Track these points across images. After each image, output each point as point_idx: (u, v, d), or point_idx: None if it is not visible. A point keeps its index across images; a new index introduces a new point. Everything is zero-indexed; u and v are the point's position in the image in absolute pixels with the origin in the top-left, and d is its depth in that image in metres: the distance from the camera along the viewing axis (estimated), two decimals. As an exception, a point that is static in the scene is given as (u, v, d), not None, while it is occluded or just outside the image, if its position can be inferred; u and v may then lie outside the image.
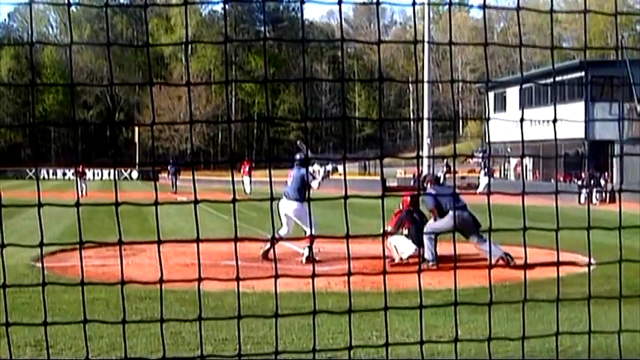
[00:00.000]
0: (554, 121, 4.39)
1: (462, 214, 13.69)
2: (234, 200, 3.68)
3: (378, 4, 3.98)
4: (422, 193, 15.36)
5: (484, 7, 4.43)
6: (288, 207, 14.76)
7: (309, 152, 16.22)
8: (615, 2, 4.08)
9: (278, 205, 14.70)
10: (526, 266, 4.92)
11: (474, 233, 13.75)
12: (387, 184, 49.75)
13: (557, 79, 48.60)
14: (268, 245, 14.26)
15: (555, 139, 4.43)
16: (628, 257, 4.36)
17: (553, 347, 4.68)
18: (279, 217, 14.88)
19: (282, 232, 14.93)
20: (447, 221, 13.88)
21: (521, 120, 4.41)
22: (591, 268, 11.95)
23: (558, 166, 49.66)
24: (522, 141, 4.60)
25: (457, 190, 28.93)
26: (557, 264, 4.91)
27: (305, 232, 14.58)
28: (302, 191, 14.64)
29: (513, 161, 56.55)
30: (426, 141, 63.43)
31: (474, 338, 5.92)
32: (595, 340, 5.80)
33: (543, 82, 50.25)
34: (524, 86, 53.57)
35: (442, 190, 14.57)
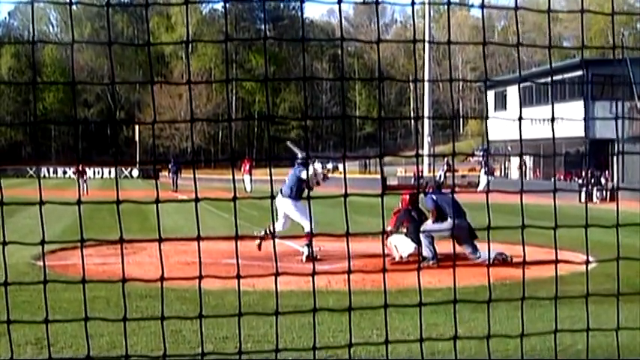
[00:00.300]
0: (552, 119, 4.40)
1: (461, 223, 13.73)
2: (234, 198, 3.68)
3: (377, 3, 3.98)
4: (422, 191, 15.39)
5: (482, 6, 4.43)
6: (282, 204, 14.78)
7: (299, 151, 16.22)
8: (612, 2, 4.08)
9: (275, 201, 14.75)
10: (524, 264, 4.92)
11: (468, 243, 13.84)
12: (388, 183, 49.78)
13: (558, 77, 48.62)
14: (262, 233, 14.35)
15: (553, 138, 4.44)
16: (629, 256, 4.36)
17: (554, 346, 4.68)
18: (277, 214, 14.92)
19: (277, 227, 14.91)
20: (444, 227, 13.92)
21: (520, 119, 4.41)
22: (592, 266, 11.95)
23: (559, 165, 49.68)
24: (520, 139, 4.60)
25: (457, 189, 28.96)
26: (556, 262, 4.92)
27: (303, 229, 14.60)
28: (294, 189, 14.69)
29: (515, 160, 56.55)
30: (427, 139, 63.48)
31: (474, 336, 5.92)
32: (596, 339, 5.81)
33: (543, 80, 50.21)
34: (525, 85, 53.51)
35: (443, 197, 14.58)
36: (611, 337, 6.13)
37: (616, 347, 4.97)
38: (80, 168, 44.04)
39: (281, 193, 14.81)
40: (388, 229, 14.12)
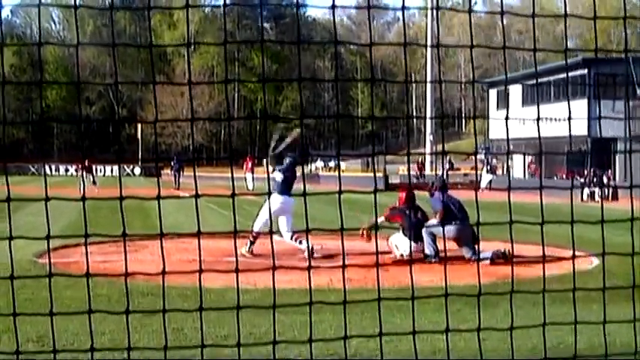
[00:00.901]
0: (538, 119, 4.41)
1: (465, 225, 13.73)
2: (233, 195, 3.69)
3: (369, 7, 4.01)
4: (428, 190, 15.36)
5: (470, 10, 4.47)
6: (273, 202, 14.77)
7: (282, 145, 16.18)
8: (594, 5, 4.08)
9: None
10: (512, 260, 4.94)
11: (469, 246, 13.85)
12: (390, 181, 49.79)
13: (560, 76, 48.58)
14: (249, 245, 14.32)
15: (540, 138, 4.45)
16: (629, 255, 4.37)
17: (553, 344, 4.69)
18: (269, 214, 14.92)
19: (282, 228, 14.87)
20: (448, 229, 13.89)
21: (506, 118, 4.43)
22: (593, 265, 11.88)
23: (561, 164, 49.67)
24: (508, 139, 4.62)
25: (459, 187, 28.99)
26: (543, 258, 4.93)
27: (279, 228, 14.56)
28: (279, 186, 14.76)
29: (517, 158, 56.60)
30: (429, 138, 63.40)
31: (468, 329, 5.92)
32: (598, 337, 5.80)
33: (545, 79, 50.21)
34: (528, 84, 53.59)
35: (449, 198, 14.57)
36: (613, 336, 6.14)
37: (618, 345, 4.98)
38: (86, 164, 43.96)
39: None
40: (380, 219, 14.10)
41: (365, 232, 13.97)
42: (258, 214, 14.89)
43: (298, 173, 15.41)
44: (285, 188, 14.74)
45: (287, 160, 15.25)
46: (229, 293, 9.17)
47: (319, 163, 76.83)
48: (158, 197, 3.72)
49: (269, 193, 14.47)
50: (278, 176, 14.85)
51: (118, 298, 8.94)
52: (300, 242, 14.22)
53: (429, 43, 59.39)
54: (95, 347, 3.97)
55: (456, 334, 6.28)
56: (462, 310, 8.08)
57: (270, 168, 15.16)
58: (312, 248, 13.64)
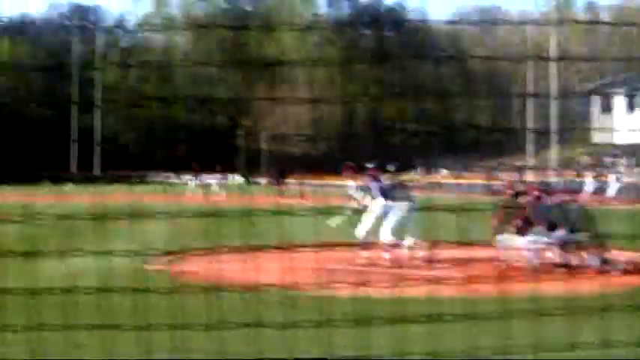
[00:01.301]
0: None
1: (571, 234, 13.70)
2: (362, 207, 3.70)
3: (491, 23, 3.94)
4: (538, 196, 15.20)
5: (561, 22, 4.35)
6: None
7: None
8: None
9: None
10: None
11: (588, 254, 13.79)
12: (494, 188, 49.38)
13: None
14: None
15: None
16: None
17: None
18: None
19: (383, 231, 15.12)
20: (555, 235, 13.80)
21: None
22: None
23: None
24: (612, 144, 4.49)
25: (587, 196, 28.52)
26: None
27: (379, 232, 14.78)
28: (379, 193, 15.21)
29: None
30: (552, 147, 62.24)
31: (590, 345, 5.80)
32: None
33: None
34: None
35: (561, 207, 14.48)
36: None
37: None
38: (203, 171, 45.20)
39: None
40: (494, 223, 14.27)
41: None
42: (369, 223, 15.00)
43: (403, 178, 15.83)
44: (384, 194, 15.11)
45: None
46: (353, 303, 9.19)
47: (444, 172, 77.77)
48: (290, 210, 3.76)
49: (373, 200, 14.79)
50: (374, 186, 15.46)
51: (241, 308, 9.03)
52: (388, 251, 14.23)
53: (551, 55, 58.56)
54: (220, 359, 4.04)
55: (581, 346, 6.14)
56: (581, 319, 7.89)
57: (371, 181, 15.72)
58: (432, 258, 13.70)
